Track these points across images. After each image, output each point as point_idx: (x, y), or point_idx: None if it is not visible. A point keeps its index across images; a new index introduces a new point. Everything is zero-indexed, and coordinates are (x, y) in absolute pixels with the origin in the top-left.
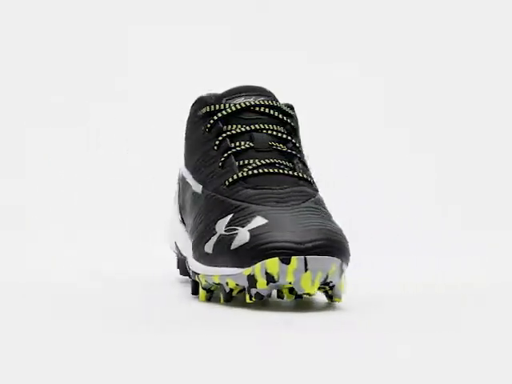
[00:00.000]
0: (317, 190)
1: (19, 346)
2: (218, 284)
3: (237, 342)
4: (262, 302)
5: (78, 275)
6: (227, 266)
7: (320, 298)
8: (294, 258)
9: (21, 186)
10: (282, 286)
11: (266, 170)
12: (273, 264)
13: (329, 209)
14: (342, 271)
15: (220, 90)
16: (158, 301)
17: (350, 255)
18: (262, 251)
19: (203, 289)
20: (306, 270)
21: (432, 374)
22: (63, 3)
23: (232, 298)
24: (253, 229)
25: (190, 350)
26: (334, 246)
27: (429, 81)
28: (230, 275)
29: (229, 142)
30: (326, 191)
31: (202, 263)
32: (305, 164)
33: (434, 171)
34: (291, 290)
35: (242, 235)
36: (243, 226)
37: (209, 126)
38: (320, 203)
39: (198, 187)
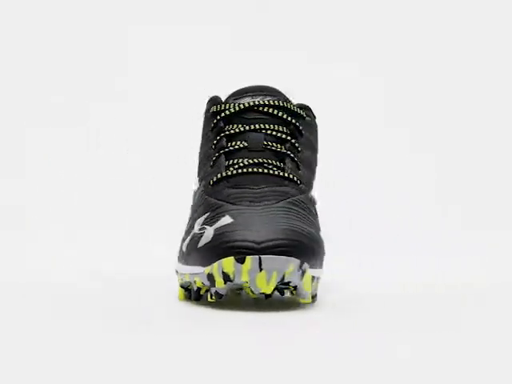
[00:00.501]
0: (304, 191)
1: (19, 346)
2: (190, 282)
3: (236, 342)
4: (268, 301)
5: (77, 275)
6: (195, 265)
7: (319, 298)
8: (248, 258)
9: (21, 186)
10: (241, 285)
11: (250, 170)
12: (228, 263)
13: (328, 209)
14: (303, 272)
15: (222, 90)
16: (157, 301)
17: (317, 256)
18: (220, 250)
19: (181, 287)
20: (261, 269)
21: (432, 374)
22: (63, 3)
23: (201, 297)
24: (217, 228)
25: (190, 350)
26: (293, 246)
27: (429, 81)
28: (197, 274)
29: (225, 142)
30: (326, 191)
31: (179, 262)
32: (298, 164)
33: (434, 171)
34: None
35: (208, 234)
36: (211, 225)
37: (212, 125)
38: (299, 203)
39: (196, 186)
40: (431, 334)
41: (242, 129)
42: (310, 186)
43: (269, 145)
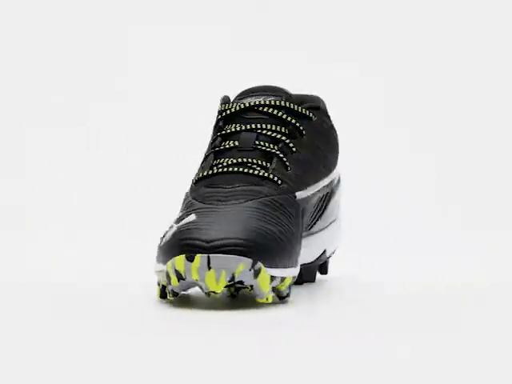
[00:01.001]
0: (286, 191)
1: (19, 346)
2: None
3: (236, 341)
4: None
5: (77, 275)
6: (158, 262)
7: (318, 297)
8: (197, 256)
9: (21, 186)
10: (193, 283)
11: (229, 169)
12: (179, 261)
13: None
14: (256, 271)
15: (223, 91)
16: (157, 301)
17: (277, 255)
18: (174, 248)
19: (157, 285)
20: (210, 268)
21: (432, 374)
22: (63, 3)
23: (166, 295)
24: (179, 226)
25: (190, 349)
26: (244, 245)
27: (429, 81)
28: (160, 271)
29: (218, 142)
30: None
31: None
32: (287, 164)
33: (434, 171)
34: (236, 288)
35: (171, 232)
36: (177, 223)
37: (215, 125)
38: (273, 203)
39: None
40: (431, 334)
41: (238, 128)
42: (300, 186)
43: (260, 144)
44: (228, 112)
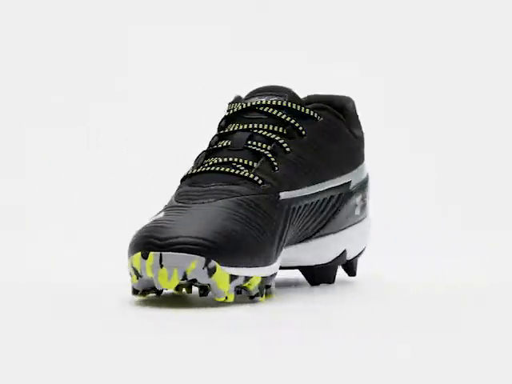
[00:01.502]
0: (267, 192)
1: (19, 346)
2: None
3: (234, 341)
4: (260, 302)
5: (77, 275)
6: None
7: (316, 297)
8: (151, 254)
9: (21, 186)
10: (150, 281)
11: (212, 169)
12: (136, 259)
13: None
14: (210, 269)
15: (224, 91)
16: (157, 300)
17: (236, 254)
18: (134, 246)
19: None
20: (162, 266)
21: (432, 374)
22: (63, 3)
23: (137, 292)
24: (146, 224)
25: (190, 349)
26: (196, 243)
27: (428, 81)
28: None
29: (214, 141)
30: None
31: None
32: (275, 165)
33: (433, 171)
34: (189, 286)
35: (138, 229)
36: (149, 221)
37: (218, 124)
38: (247, 203)
39: None
40: (431, 334)
41: (235, 128)
42: (289, 186)
43: (252, 144)
44: (230, 112)
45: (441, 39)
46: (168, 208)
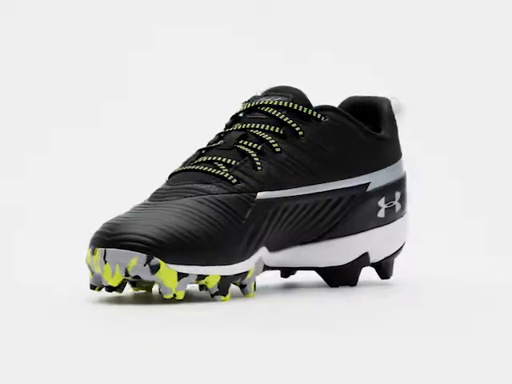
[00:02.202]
0: (242, 191)
1: (19, 346)
2: None
3: (233, 340)
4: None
5: (77, 275)
6: None
7: (315, 297)
8: (97, 250)
9: (21, 186)
10: (99, 277)
11: (191, 167)
12: (88, 254)
13: None
14: (152, 267)
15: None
16: (156, 300)
17: (183, 253)
18: (89, 242)
19: None
20: (106, 261)
21: (432, 374)
22: (62, 4)
23: (94, 288)
24: (108, 220)
25: (189, 350)
26: (138, 240)
27: (429, 80)
28: None
29: (212, 141)
30: None
31: None
32: (257, 165)
33: (434, 170)
34: (149, 286)
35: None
36: None
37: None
38: (211, 202)
39: None
40: (431, 334)
41: (236, 128)
42: (271, 186)
43: (242, 144)
44: (237, 112)
45: (439, 41)
46: (136, 206)
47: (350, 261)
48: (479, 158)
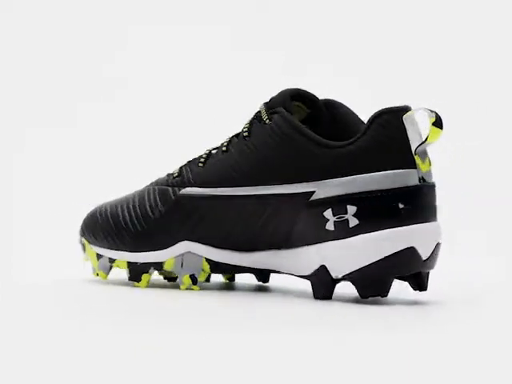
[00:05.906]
0: (175, 185)
1: (19, 346)
2: None
3: (232, 340)
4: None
5: (77, 275)
6: None
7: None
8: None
9: (20, 186)
10: None
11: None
12: None
13: None
14: (82, 245)
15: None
16: (157, 300)
17: (96, 235)
18: None
19: None
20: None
21: (432, 374)
22: (61, 3)
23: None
24: None
25: (189, 350)
26: (82, 224)
27: (429, 80)
28: None
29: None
30: None
31: None
32: (199, 162)
33: (433, 170)
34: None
35: None
36: None
37: None
38: (143, 192)
39: None
40: (431, 334)
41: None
42: (197, 183)
43: (211, 148)
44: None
45: (439, 42)
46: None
47: (311, 272)
48: (479, 158)
